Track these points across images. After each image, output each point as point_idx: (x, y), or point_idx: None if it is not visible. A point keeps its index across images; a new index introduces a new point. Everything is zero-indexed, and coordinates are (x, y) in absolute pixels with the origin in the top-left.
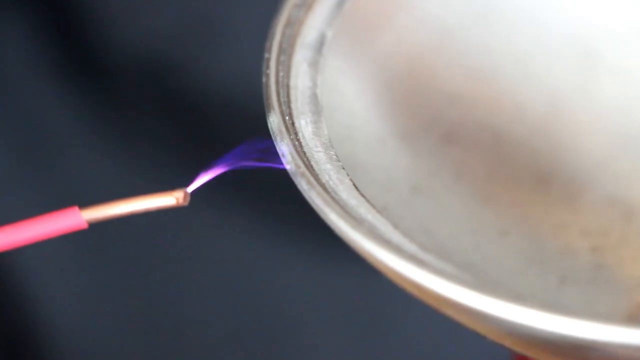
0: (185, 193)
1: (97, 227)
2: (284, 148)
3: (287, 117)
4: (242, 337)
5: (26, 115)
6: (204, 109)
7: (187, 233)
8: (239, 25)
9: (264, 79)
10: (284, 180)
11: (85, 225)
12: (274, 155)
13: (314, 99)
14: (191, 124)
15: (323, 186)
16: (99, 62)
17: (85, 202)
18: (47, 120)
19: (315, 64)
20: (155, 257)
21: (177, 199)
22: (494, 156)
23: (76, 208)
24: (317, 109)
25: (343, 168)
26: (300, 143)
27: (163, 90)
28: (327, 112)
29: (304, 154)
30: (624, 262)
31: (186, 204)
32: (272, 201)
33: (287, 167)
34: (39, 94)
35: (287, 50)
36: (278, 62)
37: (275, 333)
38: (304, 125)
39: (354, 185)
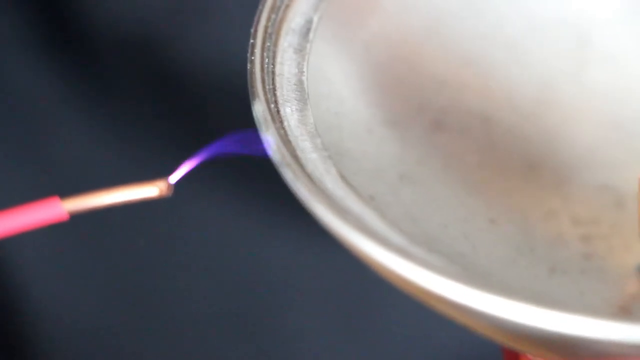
0: (169, 184)
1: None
2: (269, 137)
3: (272, 105)
4: (230, 319)
5: (9, 94)
6: (192, 87)
7: (172, 215)
8: (227, 1)
9: (249, 66)
10: (269, 162)
11: (66, 217)
12: (258, 143)
13: (300, 86)
14: (179, 101)
15: (308, 177)
16: (85, 40)
17: (69, 183)
18: (31, 100)
19: (301, 50)
20: (141, 240)
21: (161, 189)
22: (483, 143)
23: (57, 198)
24: (303, 97)
25: (329, 157)
26: (285, 132)
27: (150, 68)
28: (313, 100)
29: (290, 143)
30: (615, 251)
31: (169, 194)
32: (257, 182)
33: (272, 157)
34: (22, 73)
35: (272, 36)
36: (263, 48)
37: (262, 315)
38: (290, 113)
39: (341, 175)
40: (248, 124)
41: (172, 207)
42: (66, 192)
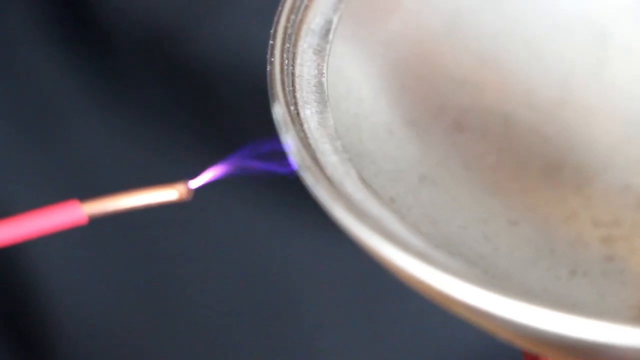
0: (188, 188)
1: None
2: (289, 140)
3: (292, 107)
4: (247, 316)
5: (28, 88)
6: (212, 85)
7: (190, 215)
8: None
9: (268, 67)
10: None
11: (85, 221)
12: (280, 155)
13: (320, 87)
14: (198, 100)
15: (328, 180)
16: (105, 37)
17: (88, 180)
18: (49, 93)
19: (321, 51)
20: (159, 240)
21: (180, 193)
22: (503, 143)
23: (77, 202)
24: (322, 98)
25: (349, 160)
26: (305, 134)
27: (168, 61)
28: (333, 101)
29: (309, 145)
30: (636, 253)
31: (189, 198)
32: (275, 182)
33: (292, 160)
34: (40, 65)
35: (292, 37)
36: (283, 49)
37: (276, 309)
38: (310, 116)
39: (361, 177)
40: (268, 124)
41: (190, 206)
42: (84, 192)
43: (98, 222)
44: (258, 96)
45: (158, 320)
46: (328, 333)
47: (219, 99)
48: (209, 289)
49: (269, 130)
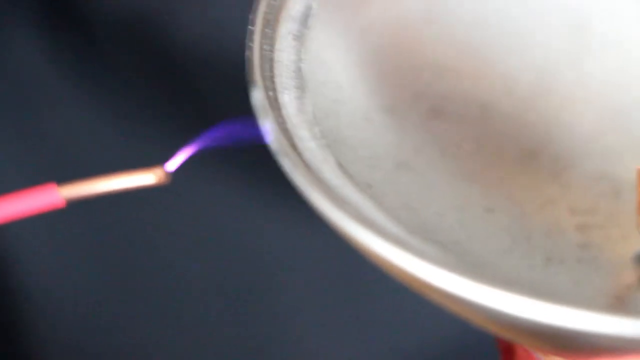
0: (166, 171)
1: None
2: (267, 125)
3: (270, 93)
4: (226, 302)
5: (4, 71)
6: (190, 70)
7: (167, 200)
8: None
9: (247, 53)
10: (265, 148)
11: (62, 203)
12: (255, 130)
13: (299, 73)
14: (176, 85)
15: (306, 166)
16: (80, 12)
17: (64, 162)
18: (27, 76)
19: (300, 37)
20: (139, 220)
21: (158, 177)
22: (481, 131)
23: (54, 185)
24: (301, 84)
25: (327, 146)
26: (284, 120)
27: (146, 43)
28: (312, 87)
29: (288, 131)
30: (612, 241)
31: (167, 181)
32: (252, 167)
33: (270, 145)
34: (19, 49)
35: (271, 23)
36: (262, 35)
37: (255, 297)
38: (288, 101)
39: (338, 163)
40: (246, 108)
41: (167, 192)
42: (61, 174)
43: (76, 207)
44: (236, 80)
45: (137, 308)
46: (308, 320)
47: (196, 82)
48: (188, 277)
49: (247, 115)
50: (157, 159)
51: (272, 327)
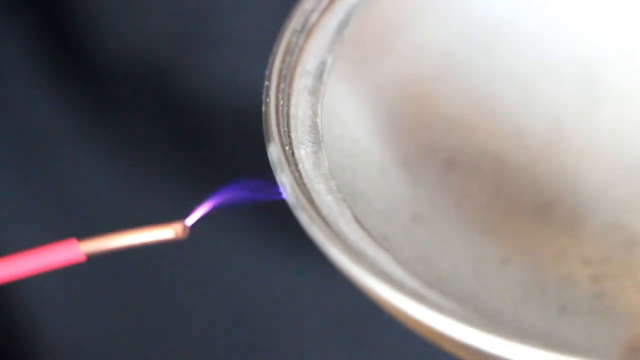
0: (185, 226)
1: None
2: (284, 180)
3: (287, 148)
4: (233, 345)
5: (20, 122)
6: (203, 117)
7: (180, 251)
8: (235, 29)
9: (263, 108)
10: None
11: (83, 259)
12: (273, 186)
13: (315, 128)
14: (189, 131)
15: (324, 220)
16: (95, 65)
17: (79, 215)
18: (41, 128)
19: (315, 92)
20: (146, 262)
21: (177, 232)
22: (495, 183)
23: (74, 240)
24: (317, 139)
25: (343, 200)
26: (300, 174)
27: (161, 96)
28: (328, 141)
29: (305, 185)
30: (625, 291)
31: (185, 236)
32: (268, 216)
33: (287, 199)
34: (32, 96)
35: (287, 78)
36: (278, 90)
37: (264, 337)
38: (304, 156)
39: (355, 217)
40: (262, 162)
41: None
42: (76, 227)
43: (92, 261)
44: (252, 134)
45: (147, 353)
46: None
47: (211, 136)
48: (198, 321)
49: (262, 170)
50: (170, 212)
51: None
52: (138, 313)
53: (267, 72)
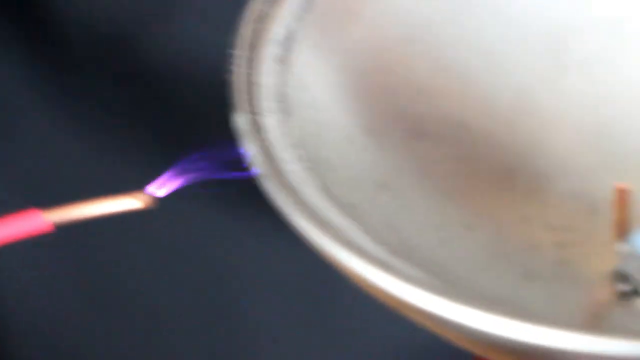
0: (152, 196)
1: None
2: (250, 149)
3: (254, 116)
4: (191, 315)
5: None
6: (166, 83)
7: (150, 221)
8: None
9: (230, 76)
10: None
11: (51, 228)
12: (239, 154)
13: (282, 97)
14: (154, 97)
15: (290, 189)
16: (57, 32)
17: (43, 177)
18: (1, 90)
19: (284, 61)
20: (110, 231)
21: (144, 201)
22: (460, 150)
23: (38, 210)
24: (284, 107)
25: (311, 168)
26: (267, 143)
27: (125, 62)
28: (296, 110)
29: (271, 154)
30: (588, 258)
31: (153, 206)
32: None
33: (254, 168)
34: None
35: (255, 47)
36: (245, 58)
37: (224, 311)
38: (272, 125)
39: (322, 185)
40: (228, 131)
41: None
42: (39, 195)
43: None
44: (219, 103)
45: (101, 322)
46: (276, 335)
47: (177, 104)
48: (162, 290)
49: (228, 136)
50: (135, 179)
51: (245, 343)
52: (101, 283)
53: (234, 40)
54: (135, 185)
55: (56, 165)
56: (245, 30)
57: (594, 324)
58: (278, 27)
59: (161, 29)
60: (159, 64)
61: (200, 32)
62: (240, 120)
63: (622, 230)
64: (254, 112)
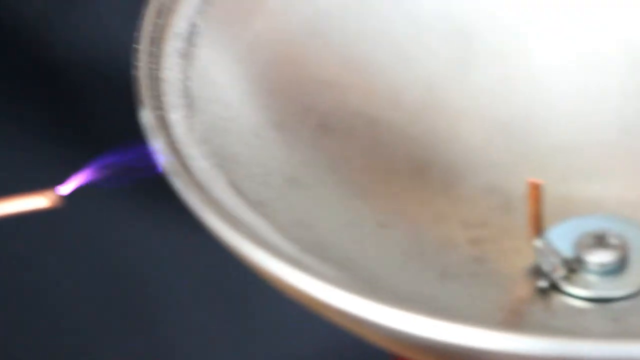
0: (59, 194)
1: None
2: (157, 145)
3: (159, 112)
4: (102, 310)
5: None
6: (73, 81)
7: (60, 219)
8: None
9: (134, 72)
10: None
11: None
12: (147, 151)
13: (187, 91)
14: (63, 94)
15: (198, 186)
16: None
17: None
18: None
19: (186, 55)
20: (17, 230)
21: (51, 200)
22: (369, 145)
23: None
24: (189, 103)
25: (218, 164)
26: (173, 139)
27: (29, 57)
28: (201, 105)
29: (178, 151)
30: (504, 254)
31: (59, 205)
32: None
33: (161, 165)
34: None
35: (157, 41)
36: (148, 53)
37: (137, 308)
38: (177, 120)
39: (230, 182)
40: (134, 125)
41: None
42: None
43: None
44: (126, 98)
45: (20, 321)
46: (189, 331)
47: (85, 101)
48: (71, 288)
49: (135, 133)
50: (42, 178)
51: (157, 341)
52: (10, 282)
53: (137, 35)
54: (42, 183)
55: None
56: (147, 24)
57: (513, 321)
58: (179, 20)
59: (66, 24)
60: (70, 61)
61: (108, 23)
62: (146, 117)
63: (537, 226)
64: (159, 108)
